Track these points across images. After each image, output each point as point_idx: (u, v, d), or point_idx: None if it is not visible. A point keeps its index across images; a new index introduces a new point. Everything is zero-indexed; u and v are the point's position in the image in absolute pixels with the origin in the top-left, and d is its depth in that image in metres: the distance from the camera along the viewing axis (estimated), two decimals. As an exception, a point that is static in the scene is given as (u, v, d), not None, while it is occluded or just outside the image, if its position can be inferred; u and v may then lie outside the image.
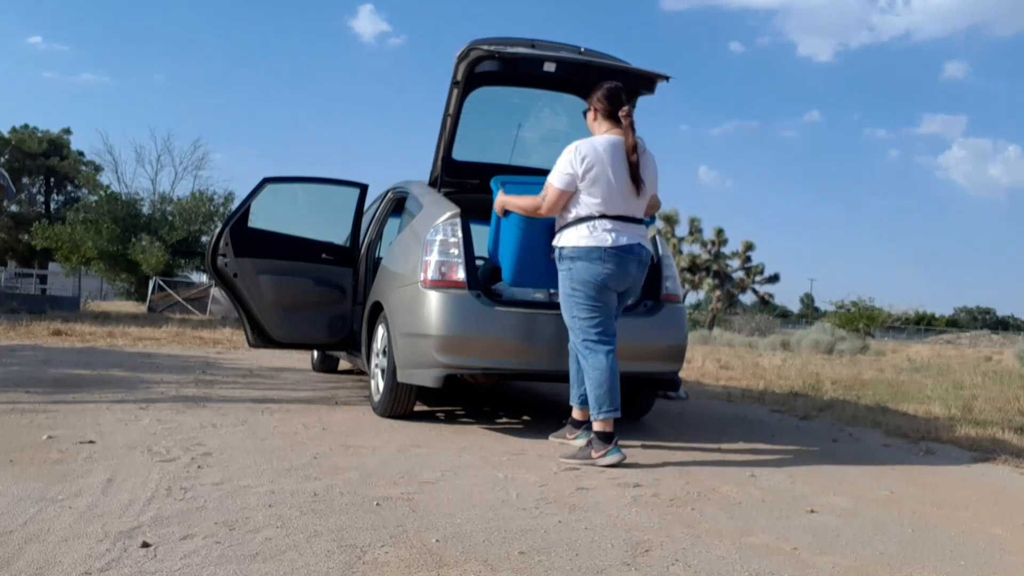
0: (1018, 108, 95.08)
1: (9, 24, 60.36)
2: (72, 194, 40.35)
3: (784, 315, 51.89)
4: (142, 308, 22.32)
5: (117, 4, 63.16)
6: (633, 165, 3.39)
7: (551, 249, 3.56)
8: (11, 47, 60.90)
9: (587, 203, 3.37)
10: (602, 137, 3.43)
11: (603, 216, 3.36)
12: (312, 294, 4.87)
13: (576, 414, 3.62)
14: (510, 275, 3.82)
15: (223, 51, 71.35)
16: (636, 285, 3.55)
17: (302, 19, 78.84)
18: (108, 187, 30.16)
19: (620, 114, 3.41)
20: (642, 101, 4.46)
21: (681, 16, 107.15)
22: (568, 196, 3.39)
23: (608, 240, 3.34)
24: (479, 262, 4.28)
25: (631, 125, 3.41)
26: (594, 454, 3.23)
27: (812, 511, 2.68)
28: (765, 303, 29.15)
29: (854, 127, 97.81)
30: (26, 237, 32.25)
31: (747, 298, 29.35)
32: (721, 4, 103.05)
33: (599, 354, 3.32)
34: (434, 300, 3.81)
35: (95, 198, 28.80)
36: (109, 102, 60.19)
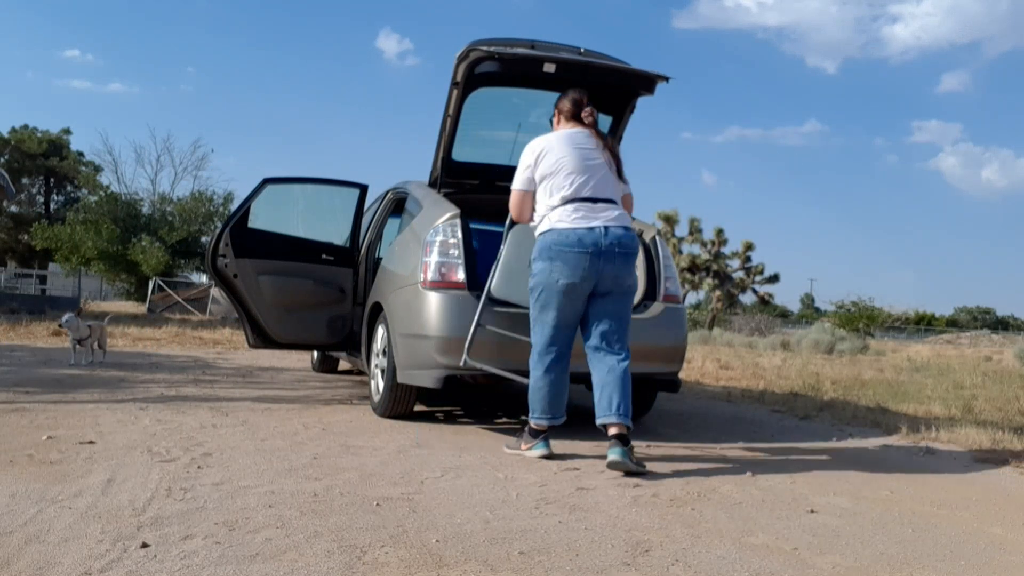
0: (1013, 116, 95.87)
1: (48, 38, 61.58)
2: (72, 194, 40.32)
3: (784, 315, 51.84)
4: (142, 308, 22.31)
5: (151, 20, 64.19)
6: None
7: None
8: (49, 59, 62.11)
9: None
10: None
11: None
12: (312, 295, 4.87)
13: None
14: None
15: (246, 59, 72.23)
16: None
17: (328, 37, 79.82)
18: (108, 187, 30.11)
19: (583, 114, 3.45)
20: (644, 105, 4.46)
21: (691, 34, 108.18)
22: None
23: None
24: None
25: (594, 123, 3.45)
26: (523, 446, 3.40)
27: (812, 511, 2.68)
28: (765, 303, 29.12)
29: (854, 135, 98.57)
30: (26, 237, 32.24)
31: (747, 298, 29.31)
32: (730, 22, 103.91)
33: None
34: (434, 301, 3.81)
35: (95, 198, 28.75)
36: (136, 110, 61.19)
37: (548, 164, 3.34)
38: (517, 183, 3.44)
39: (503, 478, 2.92)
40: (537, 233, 3.38)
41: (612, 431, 3.17)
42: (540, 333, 3.34)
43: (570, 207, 3.27)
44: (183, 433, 3.52)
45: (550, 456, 3.33)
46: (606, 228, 3.24)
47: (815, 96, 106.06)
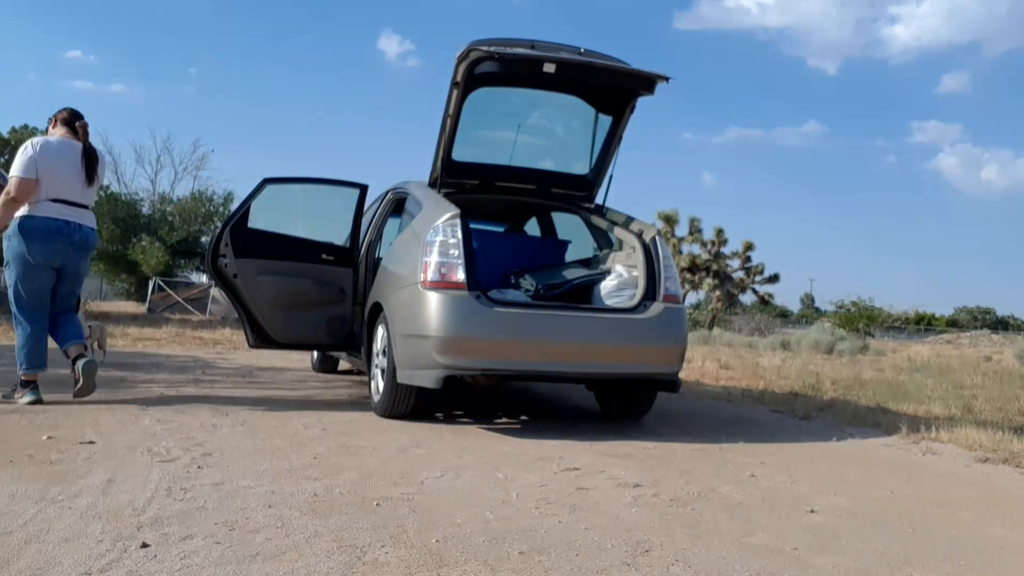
0: (1013, 116, 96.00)
1: (50, 39, 61.70)
2: (72, 194, 40.26)
3: (784, 315, 51.79)
4: (142, 308, 22.30)
5: (153, 22, 63.97)
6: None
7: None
8: (51, 60, 62.21)
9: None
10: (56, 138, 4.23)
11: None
12: (312, 295, 4.87)
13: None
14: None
15: (249, 63, 71.93)
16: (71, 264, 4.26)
17: (330, 38, 79.67)
18: (108, 187, 30.09)
19: (77, 124, 4.21)
20: (645, 105, 4.46)
21: (692, 35, 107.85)
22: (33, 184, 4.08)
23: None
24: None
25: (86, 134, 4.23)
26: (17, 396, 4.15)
27: (812, 511, 2.68)
28: (765, 303, 29.10)
29: (854, 136, 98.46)
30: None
31: (747, 298, 29.27)
32: (731, 23, 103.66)
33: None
34: (434, 301, 3.81)
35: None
36: (138, 111, 61.06)
37: (49, 165, 4.06)
38: (26, 171, 4.02)
39: (503, 478, 2.92)
40: (23, 215, 4.06)
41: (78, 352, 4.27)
42: (26, 298, 4.16)
43: (59, 204, 4.13)
44: (183, 433, 3.52)
45: (41, 401, 4.09)
46: (80, 225, 4.20)
47: (815, 97, 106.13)
